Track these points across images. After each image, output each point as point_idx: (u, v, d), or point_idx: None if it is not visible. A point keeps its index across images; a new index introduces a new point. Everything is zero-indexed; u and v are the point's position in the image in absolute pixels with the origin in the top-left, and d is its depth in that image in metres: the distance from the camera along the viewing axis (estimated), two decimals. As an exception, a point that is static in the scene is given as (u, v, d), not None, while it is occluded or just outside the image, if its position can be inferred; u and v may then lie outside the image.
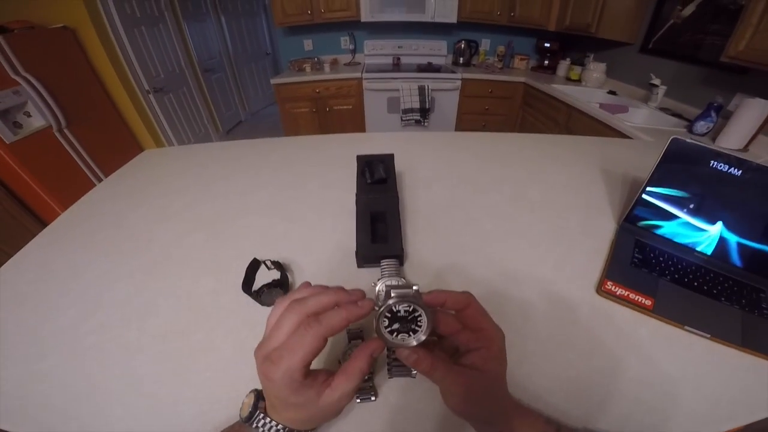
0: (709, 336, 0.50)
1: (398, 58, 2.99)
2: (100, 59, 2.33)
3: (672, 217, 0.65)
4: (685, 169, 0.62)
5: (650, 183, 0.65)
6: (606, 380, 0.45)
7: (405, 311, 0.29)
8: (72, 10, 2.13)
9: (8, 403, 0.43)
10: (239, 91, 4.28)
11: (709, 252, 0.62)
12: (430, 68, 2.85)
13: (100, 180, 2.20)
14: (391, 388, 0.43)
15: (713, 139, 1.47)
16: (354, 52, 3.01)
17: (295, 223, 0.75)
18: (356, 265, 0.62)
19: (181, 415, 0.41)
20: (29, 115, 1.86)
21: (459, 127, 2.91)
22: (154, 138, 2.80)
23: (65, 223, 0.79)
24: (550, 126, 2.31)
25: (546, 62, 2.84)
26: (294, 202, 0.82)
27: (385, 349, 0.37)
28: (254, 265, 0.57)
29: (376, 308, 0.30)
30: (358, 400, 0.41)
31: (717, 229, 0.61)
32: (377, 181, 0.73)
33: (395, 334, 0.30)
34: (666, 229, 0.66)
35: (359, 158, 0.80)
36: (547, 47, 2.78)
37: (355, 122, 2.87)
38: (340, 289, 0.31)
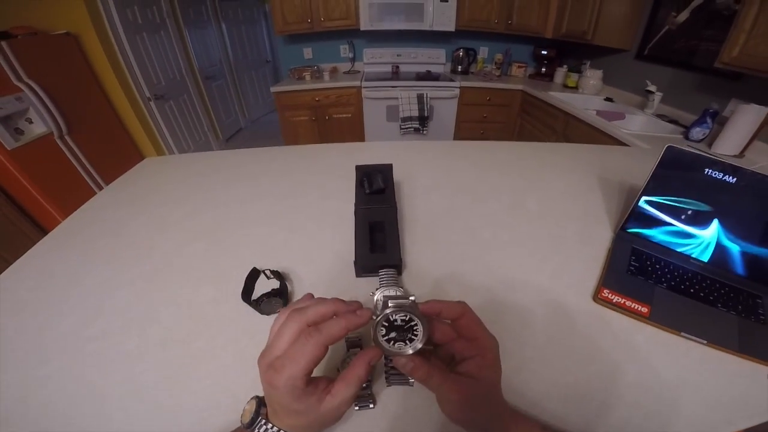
0: (705, 342, 0.50)
1: (397, 67, 3.02)
2: (102, 66, 2.34)
3: (667, 225, 0.65)
4: (681, 177, 0.63)
5: (646, 192, 0.66)
6: (603, 385, 0.45)
7: (402, 320, 0.30)
8: (75, 16, 2.15)
9: (10, 409, 0.43)
10: (239, 98, 4.31)
11: (705, 259, 0.63)
12: (428, 76, 2.87)
13: (100, 187, 2.21)
14: (389, 395, 0.43)
15: (709, 145, 1.48)
16: (353, 60, 3.04)
17: (295, 233, 0.75)
18: (355, 274, 0.62)
19: (181, 422, 0.41)
20: (31, 122, 1.87)
21: (457, 135, 2.92)
22: (155, 145, 2.81)
23: (66, 231, 0.80)
24: (547, 134, 2.32)
25: (543, 69, 2.87)
26: (293, 212, 0.83)
27: (383, 357, 0.38)
28: (254, 275, 0.57)
29: (374, 317, 0.31)
30: (357, 408, 0.41)
31: (712, 235, 0.61)
32: (376, 191, 0.73)
33: (392, 342, 0.31)
34: (662, 237, 0.66)
35: (358, 168, 0.80)
36: (544, 54, 2.81)
37: (354, 130, 2.88)
38: (338, 300, 0.32)
